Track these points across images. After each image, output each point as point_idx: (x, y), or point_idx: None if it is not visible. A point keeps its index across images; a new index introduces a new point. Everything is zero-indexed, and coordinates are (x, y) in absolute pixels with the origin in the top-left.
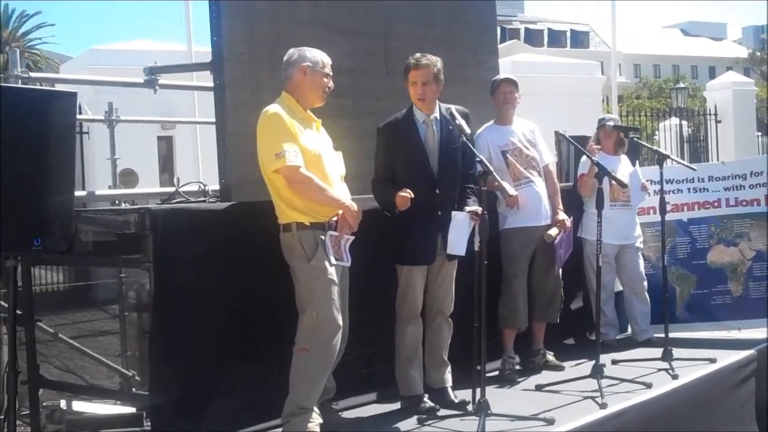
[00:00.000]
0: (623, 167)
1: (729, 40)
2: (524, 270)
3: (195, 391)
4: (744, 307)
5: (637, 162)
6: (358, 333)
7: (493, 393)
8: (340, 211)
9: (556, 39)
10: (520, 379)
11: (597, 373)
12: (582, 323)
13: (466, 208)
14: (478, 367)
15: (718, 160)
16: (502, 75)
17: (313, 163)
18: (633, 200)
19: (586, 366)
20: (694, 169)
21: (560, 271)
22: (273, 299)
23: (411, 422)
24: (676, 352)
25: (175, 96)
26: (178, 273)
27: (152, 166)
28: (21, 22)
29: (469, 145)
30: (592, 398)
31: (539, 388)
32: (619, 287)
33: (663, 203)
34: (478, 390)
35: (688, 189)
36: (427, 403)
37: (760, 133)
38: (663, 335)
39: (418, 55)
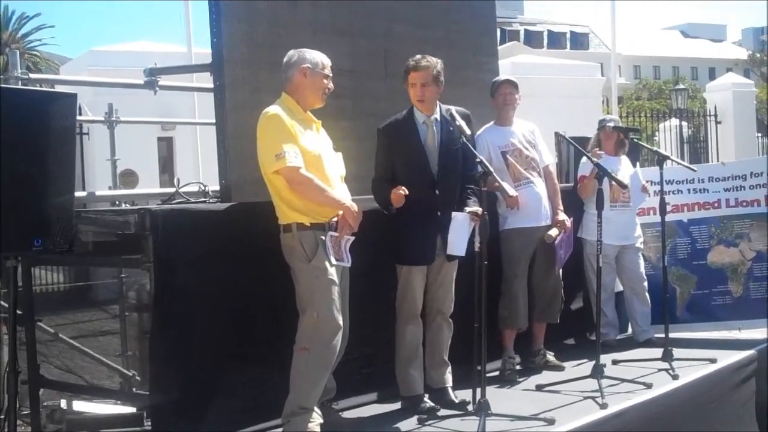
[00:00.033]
0: (624, 168)
1: (729, 41)
2: (524, 270)
3: (195, 391)
4: (744, 308)
5: (638, 163)
6: (359, 333)
7: (493, 393)
8: (341, 212)
9: (555, 40)
10: (520, 379)
11: (597, 373)
12: (582, 323)
13: (466, 208)
14: (479, 368)
15: (718, 161)
16: (502, 76)
17: (313, 164)
18: (633, 201)
19: (586, 366)
20: (694, 170)
21: (560, 271)
22: (273, 300)
23: (411, 422)
24: (677, 352)
25: (175, 97)
26: (179, 273)
27: (152, 166)
28: (21, 24)
29: (469, 145)
30: (593, 398)
31: (539, 388)
32: (619, 287)
33: (663, 204)
34: (479, 390)
35: (689, 190)
36: (428, 403)
37: (760, 134)
38: (663, 335)
39: (418, 56)
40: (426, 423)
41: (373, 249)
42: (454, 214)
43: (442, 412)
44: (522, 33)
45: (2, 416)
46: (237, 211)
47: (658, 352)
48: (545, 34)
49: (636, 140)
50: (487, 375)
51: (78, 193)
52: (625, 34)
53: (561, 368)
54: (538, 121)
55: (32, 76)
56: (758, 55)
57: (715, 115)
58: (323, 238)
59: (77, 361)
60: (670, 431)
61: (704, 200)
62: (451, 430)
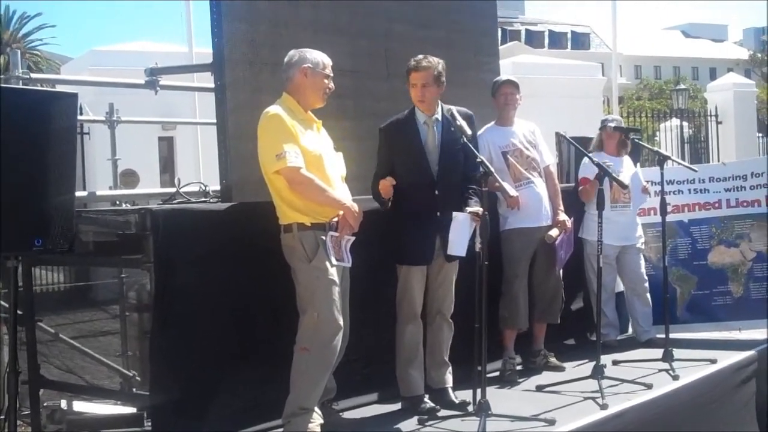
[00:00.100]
0: (626, 168)
1: (730, 41)
2: (525, 271)
3: (196, 392)
4: (745, 308)
5: (638, 164)
6: (359, 333)
7: (493, 393)
8: (341, 212)
9: (556, 40)
10: (520, 380)
11: (597, 373)
12: (582, 324)
13: (467, 209)
14: (479, 368)
15: (718, 161)
16: (503, 76)
17: (313, 164)
18: (633, 202)
19: (586, 366)
20: (695, 170)
21: (561, 271)
22: (274, 300)
23: (411, 423)
24: (677, 352)
25: (176, 97)
26: (179, 273)
27: (153, 166)
28: (22, 24)
29: (470, 145)
30: (593, 399)
31: (540, 388)
32: (619, 288)
33: (664, 204)
34: (479, 390)
35: (689, 190)
36: (428, 403)
37: (760, 134)
38: (664, 336)
39: (419, 57)
40: (426, 423)
41: (373, 249)
42: (454, 214)
43: (443, 412)
44: (523, 33)
45: (2, 416)
46: (238, 211)
47: (658, 352)
48: (546, 34)
49: (637, 140)
50: (488, 375)
51: (78, 193)
52: (626, 34)
53: (561, 369)
54: (538, 121)
55: (33, 75)
56: (759, 55)
57: (716, 116)
58: (324, 238)
59: (77, 362)
60: None
61: (705, 200)
62: (451, 430)
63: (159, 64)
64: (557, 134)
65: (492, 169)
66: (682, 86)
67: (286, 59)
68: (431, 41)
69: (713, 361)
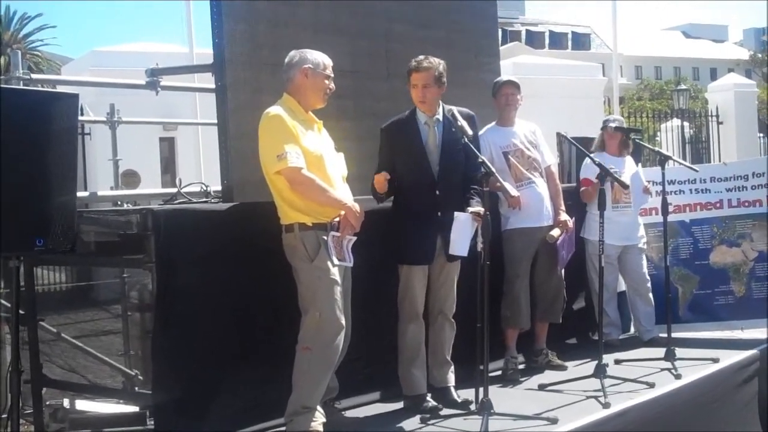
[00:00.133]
0: (628, 169)
1: (730, 42)
2: (526, 270)
3: (198, 391)
4: (747, 308)
5: (639, 164)
6: (361, 333)
7: (496, 392)
8: (343, 212)
9: (557, 41)
10: (522, 379)
11: (600, 372)
12: (584, 323)
13: (468, 208)
14: (481, 367)
15: (719, 161)
16: (504, 77)
17: (314, 164)
18: (634, 202)
19: (588, 366)
20: (696, 170)
21: (563, 271)
22: (275, 300)
23: (414, 422)
24: (679, 351)
25: (176, 97)
26: (181, 273)
27: (154, 167)
28: (22, 24)
29: (470, 146)
30: (595, 398)
31: (542, 387)
32: (621, 287)
33: (665, 204)
34: (481, 389)
35: (690, 190)
36: (430, 402)
37: (761, 135)
38: (666, 335)
39: (420, 57)
40: (428, 422)
41: (375, 249)
42: (456, 214)
43: (445, 411)
44: (523, 33)
45: (5, 415)
46: (239, 211)
47: (660, 351)
48: (546, 34)
49: (638, 141)
50: (490, 374)
51: (80, 193)
52: (626, 34)
53: (563, 368)
54: (539, 121)
55: (34, 76)
56: (760, 55)
57: (717, 116)
58: (325, 238)
59: (80, 361)
60: (673, 431)
61: (706, 200)
62: (453, 429)
63: (160, 65)
64: (558, 134)
65: (493, 169)
66: (683, 86)
67: (286, 60)
68: (431, 42)
69: (715, 361)
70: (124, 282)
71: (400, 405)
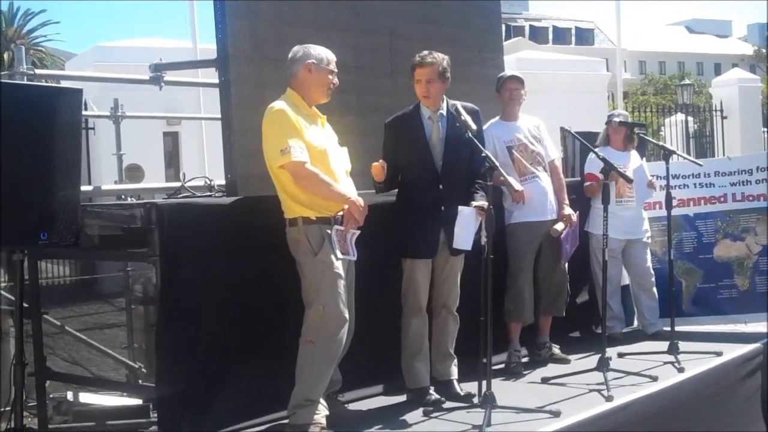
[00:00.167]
0: (633, 163)
1: (734, 37)
2: (530, 264)
3: (201, 384)
4: (750, 301)
5: (644, 158)
6: (365, 326)
7: (499, 386)
8: (346, 206)
9: (560, 36)
10: (526, 372)
11: (603, 366)
12: (588, 317)
13: (472, 203)
14: (484, 360)
15: (724, 155)
16: (507, 72)
17: (318, 158)
18: (637, 196)
19: (592, 359)
20: (700, 165)
21: (566, 265)
22: (278, 293)
23: (417, 414)
24: (682, 345)
25: (180, 92)
26: (185, 267)
27: (158, 161)
28: (26, 20)
29: (474, 140)
30: (598, 391)
31: (545, 380)
32: (625, 281)
33: (669, 198)
34: (484, 383)
35: (695, 184)
36: (433, 395)
37: (765, 129)
38: (670, 329)
39: (424, 52)
40: (431, 415)
41: (378, 243)
42: (460, 208)
43: (448, 404)
44: (527, 29)
45: (9, 408)
46: (242, 205)
47: (663, 345)
48: (550, 29)
49: (642, 135)
50: (493, 368)
51: (84, 188)
52: (630, 29)
53: (567, 361)
54: (543, 116)
55: (38, 71)
56: (764, 50)
57: (721, 110)
58: (329, 232)
59: (83, 354)
60: (676, 424)
61: (710, 194)
62: (456, 422)
63: (163, 60)
64: (562, 129)
65: (497, 164)
66: (687, 81)
67: (290, 55)
68: (435, 37)
69: (719, 354)
70: (127, 275)
71: (403, 398)
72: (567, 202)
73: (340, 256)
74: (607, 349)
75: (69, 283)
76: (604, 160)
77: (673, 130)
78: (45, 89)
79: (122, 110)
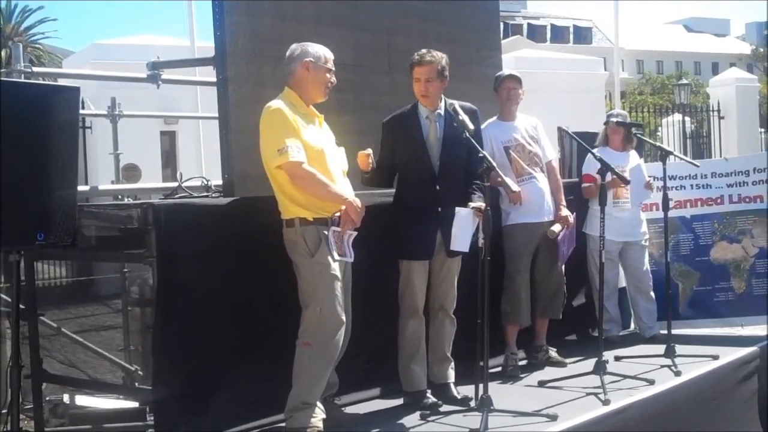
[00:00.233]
0: (631, 164)
1: (732, 36)
2: (527, 266)
3: (198, 386)
4: (747, 304)
5: (642, 158)
6: (361, 328)
7: (495, 389)
8: (343, 207)
9: (558, 35)
10: (522, 375)
11: (600, 369)
12: (585, 319)
13: (470, 204)
14: (481, 363)
15: (721, 156)
16: (505, 71)
17: (315, 158)
18: (633, 196)
19: (588, 362)
20: (697, 166)
21: (563, 267)
22: (276, 294)
23: (414, 418)
24: (679, 348)
25: (178, 91)
26: (181, 268)
27: (155, 161)
28: (24, 17)
29: (471, 140)
30: (595, 394)
31: (542, 384)
32: (622, 283)
33: (666, 199)
34: (481, 386)
35: (691, 185)
36: (430, 398)
37: (763, 130)
38: (666, 332)
39: (422, 51)
40: (428, 419)
41: (375, 244)
42: (457, 209)
43: (445, 407)
44: (525, 27)
45: (5, 411)
46: (240, 205)
47: (660, 348)
48: (548, 28)
49: (639, 135)
50: (490, 371)
51: (81, 188)
52: (628, 28)
53: (563, 364)
54: (540, 115)
55: (35, 69)
56: (762, 50)
57: (718, 111)
58: (326, 233)
59: (80, 356)
60: (673, 428)
61: (707, 196)
62: (453, 425)
63: (161, 58)
64: (559, 129)
65: (494, 164)
66: (685, 81)
67: (287, 53)
68: (433, 35)
69: (715, 357)
70: (124, 277)
71: (400, 401)
72: (564, 203)
73: (337, 257)
74: (604, 353)
75: (65, 285)
76: (601, 160)
77: (670, 130)
78: (42, 87)
79: (119, 109)
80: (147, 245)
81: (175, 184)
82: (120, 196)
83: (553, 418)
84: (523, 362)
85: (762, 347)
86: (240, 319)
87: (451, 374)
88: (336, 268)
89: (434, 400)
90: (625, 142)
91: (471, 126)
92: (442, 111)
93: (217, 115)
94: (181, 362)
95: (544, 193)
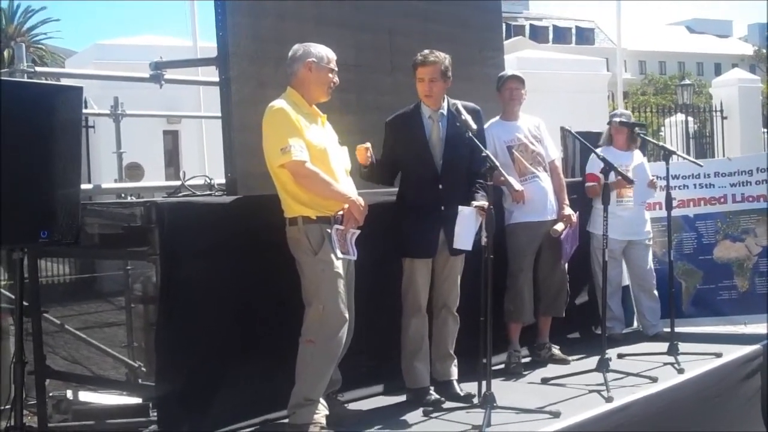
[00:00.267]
0: (635, 163)
1: (734, 37)
2: (530, 265)
3: (201, 383)
4: (750, 303)
5: (645, 158)
6: (364, 326)
7: (498, 386)
8: (346, 206)
9: (561, 35)
10: (525, 373)
11: (603, 366)
12: (588, 317)
13: (473, 203)
14: (484, 361)
15: (724, 156)
16: (508, 71)
17: (318, 157)
18: (636, 195)
19: (591, 360)
20: (701, 165)
21: (566, 265)
22: (278, 292)
23: (416, 415)
24: (682, 346)
25: (180, 91)
26: (184, 266)
27: (158, 160)
28: (26, 17)
29: (474, 140)
30: (598, 392)
31: (545, 381)
32: (625, 281)
33: (669, 199)
34: (484, 383)
35: (695, 185)
36: (433, 395)
37: (765, 130)
38: (669, 330)
39: (426, 51)
40: (431, 416)
41: (378, 242)
42: (460, 208)
43: (448, 404)
44: (527, 28)
45: (9, 406)
46: (243, 204)
47: (663, 346)
48: (551, 29)
49: (642, 135)
50: (493, 368)
51: (84, 186)
52: (630, 29)
53: (566, 362)
54: (543, 116)
55: (38, 69)
56: (764, 50)
57: (721, 111)
58: (329, 231)
59: (83, 352)
60: (675, 425)
61: (710, 195)
62: (456, 422)
63: (164, 58)
64: (562, 129)
65: (497, 164)
66: (687, 81)
67: (290, 53)
68: (435, 36)
69: (718, 355)
70: (127, 274)
71: (403, 398)
72: (567, 202)
73: (340, 255)
74: (607, 350)
75: (69, 282)
76: (604, 160)
77: (673, 130)
78: (45, 87)
79: (122, 108)
80: (150, 243)
81: (178, 183)
82: (123, 195)
83: (556, 415)
84: (526, 360)
85: (765, 345)
86: (243, 317)
87: (454, 371)
88: (339, 266)
89: (437, 397)
90: (629, 141)
91: (474, 126)
92: (445, 111)
93: (219, 114)
94: (184, 359)
95: (547, 192)
